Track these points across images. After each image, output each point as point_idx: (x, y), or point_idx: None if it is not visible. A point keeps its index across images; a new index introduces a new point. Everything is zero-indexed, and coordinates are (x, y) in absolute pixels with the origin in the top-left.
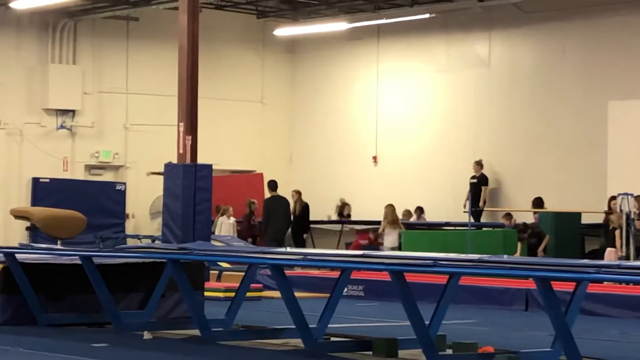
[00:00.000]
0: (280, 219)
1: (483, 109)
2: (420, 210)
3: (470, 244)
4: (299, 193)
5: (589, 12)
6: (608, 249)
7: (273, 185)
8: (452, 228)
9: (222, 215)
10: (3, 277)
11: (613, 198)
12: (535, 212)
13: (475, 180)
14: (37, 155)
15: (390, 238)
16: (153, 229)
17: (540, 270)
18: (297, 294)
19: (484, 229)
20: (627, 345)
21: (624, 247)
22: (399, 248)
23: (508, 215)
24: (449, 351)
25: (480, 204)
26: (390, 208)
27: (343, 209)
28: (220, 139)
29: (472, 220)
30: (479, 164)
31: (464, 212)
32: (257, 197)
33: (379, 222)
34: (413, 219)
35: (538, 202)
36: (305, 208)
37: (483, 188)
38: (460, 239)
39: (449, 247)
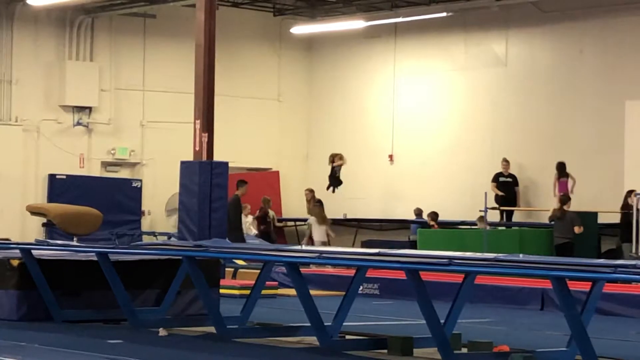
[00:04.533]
0: None
1: (500, 108)
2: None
3: (486, 243)
4: (312, 192)
5: (607, 12)
6: None
7: None
8: (468, 227)
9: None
10: (19, 273)
11: (630, 193)
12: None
13: (510, 179)
14: (54, 151)
15: (317, 233)
16: (169, 226)
17: (557, 270)
18: (312, 292)
19: (499, 228)
20: None
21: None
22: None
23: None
24: (464, 350)
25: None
26: (318, 206)
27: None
28: (237, 137)
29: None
30: (507, 162)
31: (480, 211)
32: (273, 195)
33: (389, 221)
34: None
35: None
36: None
37: (516, 189)
38: (476, 238)
39: (465, 246)
